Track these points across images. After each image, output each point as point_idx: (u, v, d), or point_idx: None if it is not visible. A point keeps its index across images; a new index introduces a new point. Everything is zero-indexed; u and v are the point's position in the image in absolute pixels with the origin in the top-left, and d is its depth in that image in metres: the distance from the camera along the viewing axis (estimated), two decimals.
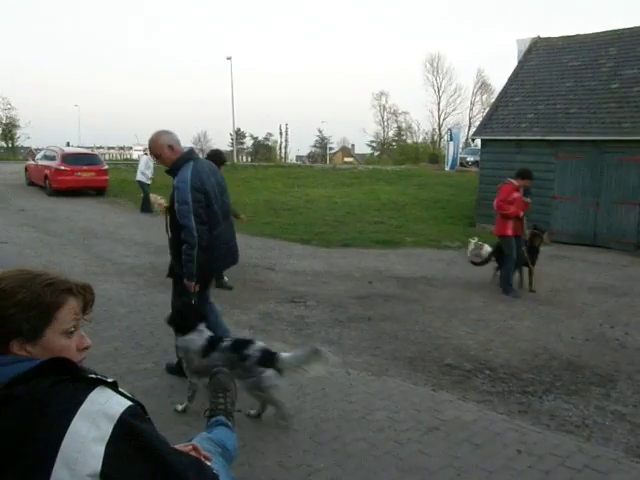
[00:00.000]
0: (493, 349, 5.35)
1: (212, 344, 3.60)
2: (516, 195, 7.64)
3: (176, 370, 4.17)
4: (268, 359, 3.44)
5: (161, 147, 3.98)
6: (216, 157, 7.25)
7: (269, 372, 3.39)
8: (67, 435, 1.01)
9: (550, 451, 3.37)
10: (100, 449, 1.02)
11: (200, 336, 3.65)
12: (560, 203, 13.40)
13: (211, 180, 4.04)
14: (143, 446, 1.07)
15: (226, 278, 7.34)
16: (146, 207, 14.65)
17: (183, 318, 3.74)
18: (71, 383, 1.07)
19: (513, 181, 7.73)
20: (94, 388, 1.08)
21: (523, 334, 5.88)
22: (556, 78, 14.97)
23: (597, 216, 13.02)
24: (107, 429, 1.03)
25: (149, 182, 14.81)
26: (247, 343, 3.58)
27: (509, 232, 7.67)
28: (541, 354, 5.26)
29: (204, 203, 3.92)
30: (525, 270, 8.02)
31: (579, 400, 4.22)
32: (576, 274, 9.54)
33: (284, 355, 3.51)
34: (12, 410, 1.01)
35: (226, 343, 3.59)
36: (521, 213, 7.73)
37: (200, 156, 4.40)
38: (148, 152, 4.10)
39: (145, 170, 14.68)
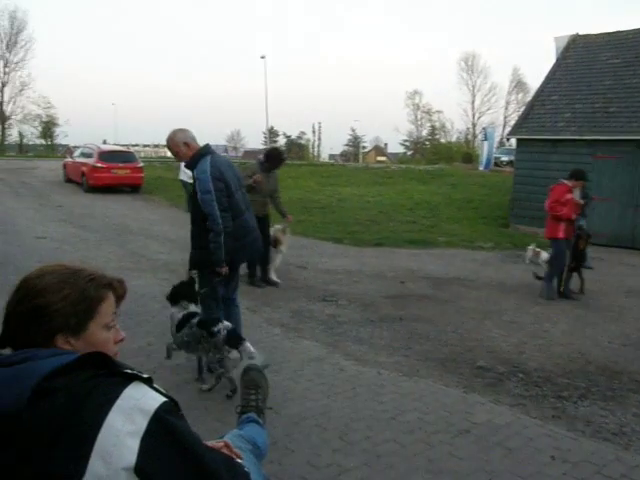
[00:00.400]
0: (527, 352, 5.25)
1: (186, 320, 3.92)
2: (569, 196, 7.36)
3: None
4: (234, 340, 3.71)
5: (177, 145, 4.17)
6: (274, 156, 7.22)
7: (234, 353, 3.69)
8: (103, 429, 1.02)
9: (586, 458, 3.29)
10: (135, 443, 1.03)
11: (180, 311, 3.98)
12: (597, 204, 13.01)
13: (229, 172, 4.20)
14: (177, 441, 1.08)
15: (274, 277, 7.40)
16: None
17: (175, 292, 4.10)
18: (108, 378, 1.08)
19: (566, 182, 7.49)
20: (130, 383, 1.09)
21: (558, 338, 5.76)
22: (595, 76, 14.61)
23: (636, 218, 12.67)
24: (142, 424, 1.04)
25: (191, 181, 15.02)
26: (215, 321, 3.86)
27: (561, 235, 7.44)
28: (576, 358, 5.14)
29: (225, 193, 4.08)
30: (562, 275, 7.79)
31: (616, 407, 4.10)
32: (613, 277, 9.32)
33: (248, 345, 3.69)
34: (51, 402, 1.02)
35: (195, 320, 3.89)
36: (574, 215, 7.49)
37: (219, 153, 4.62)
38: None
39: (184, 169, 14.87)
